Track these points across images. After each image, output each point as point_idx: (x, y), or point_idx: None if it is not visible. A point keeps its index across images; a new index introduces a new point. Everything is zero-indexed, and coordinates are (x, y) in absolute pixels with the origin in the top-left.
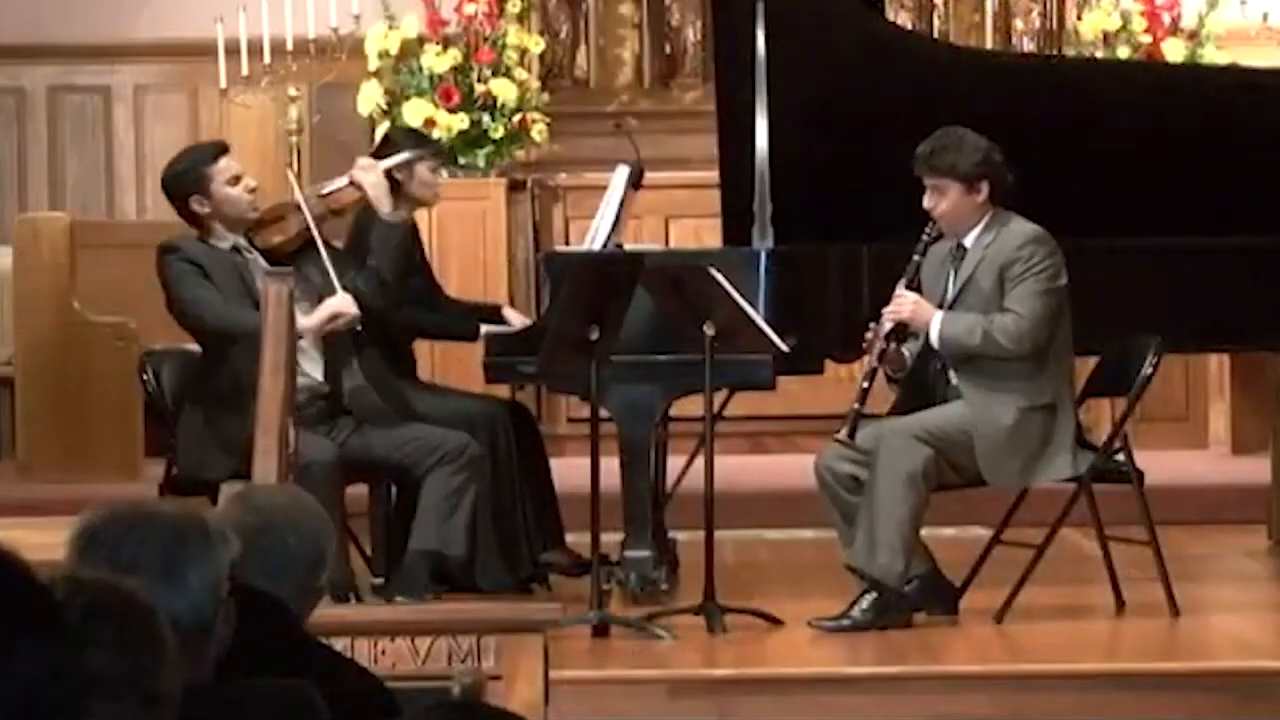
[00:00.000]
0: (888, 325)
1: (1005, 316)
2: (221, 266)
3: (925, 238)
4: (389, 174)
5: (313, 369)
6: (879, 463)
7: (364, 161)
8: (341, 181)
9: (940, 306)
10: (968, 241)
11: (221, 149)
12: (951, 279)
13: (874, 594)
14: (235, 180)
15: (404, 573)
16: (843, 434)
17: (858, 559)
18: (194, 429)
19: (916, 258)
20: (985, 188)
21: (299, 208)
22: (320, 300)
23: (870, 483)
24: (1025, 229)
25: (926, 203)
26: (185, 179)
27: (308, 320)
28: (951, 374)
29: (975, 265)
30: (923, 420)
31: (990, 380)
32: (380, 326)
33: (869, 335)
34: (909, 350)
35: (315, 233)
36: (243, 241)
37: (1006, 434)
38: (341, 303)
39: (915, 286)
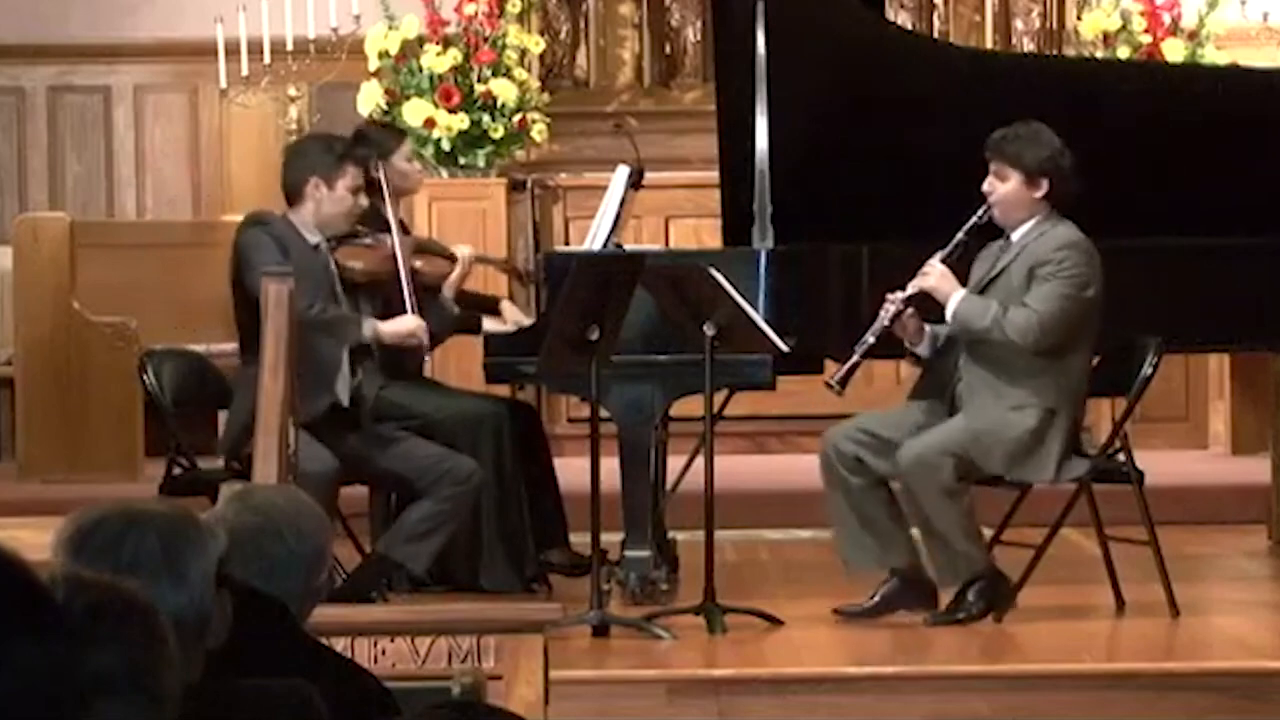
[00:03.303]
0: (910, 290)
1: (1019, 310)
2: (303, 255)
3: (976, 219)
4: (373, 182)
5: (341, 391)
6: (916, 490)
7: (469, 249)
8: (445, 262)
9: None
10: (1015, 236)
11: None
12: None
13: (979, 582)
14: (356, 190)
15: (359, 571)
16: (835, 380)
17: (942, 572)
18: (242, 417)
19: (961, 235)
20: (1045, 185)
21: (392, 252)
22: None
23: (918, 511)
24: (1068, 233)
25: (986, 185)
26: (326, 157)
27: (387, 326)
28: (961, 360)
29: (1013, 258)
30: (934, 440)
31: (994, 371)
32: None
33: (890, 298)
34: (939, 331)
35: (406, 286)
36: (325, 246)
37: (998, 424)
38: (419, 324)
39: (955, 265)
